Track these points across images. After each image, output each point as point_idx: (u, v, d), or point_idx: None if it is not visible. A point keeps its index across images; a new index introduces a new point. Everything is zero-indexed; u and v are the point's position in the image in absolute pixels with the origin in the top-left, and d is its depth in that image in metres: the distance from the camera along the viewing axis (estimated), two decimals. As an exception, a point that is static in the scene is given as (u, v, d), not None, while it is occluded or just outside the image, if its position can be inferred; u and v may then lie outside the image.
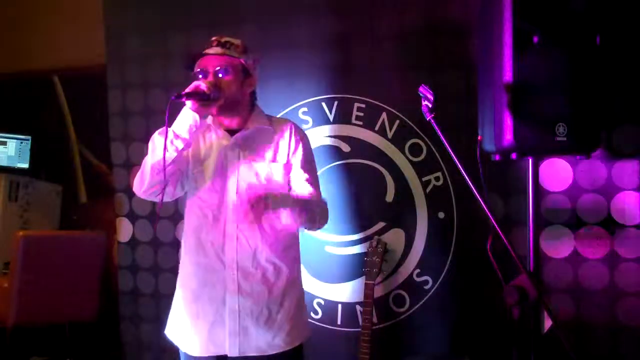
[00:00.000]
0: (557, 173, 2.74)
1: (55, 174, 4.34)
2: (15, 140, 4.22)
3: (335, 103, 3.06)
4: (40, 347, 4.06)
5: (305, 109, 3.10)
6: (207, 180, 2.23)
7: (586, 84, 2.18)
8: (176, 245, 3.39)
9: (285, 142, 2.26)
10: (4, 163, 4.18)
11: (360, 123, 3.03)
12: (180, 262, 2.34)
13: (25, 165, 4.22)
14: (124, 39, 3.45)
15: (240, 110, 2.23)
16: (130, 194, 3.48)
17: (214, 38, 2.23)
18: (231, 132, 2.24)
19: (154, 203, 3.42)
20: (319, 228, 2.31)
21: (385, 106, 2.98)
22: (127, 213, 3.49)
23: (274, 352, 2.22)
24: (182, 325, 2.30)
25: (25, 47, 4.40)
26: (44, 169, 4.35)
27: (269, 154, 2.24)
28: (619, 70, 2.61)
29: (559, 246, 2.75)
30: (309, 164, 2.30)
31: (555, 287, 2.73)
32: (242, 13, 3.18)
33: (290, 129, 2.28)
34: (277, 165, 2.23)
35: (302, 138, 2.31)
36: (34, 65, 4.32)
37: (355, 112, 3.03)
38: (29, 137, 4.24)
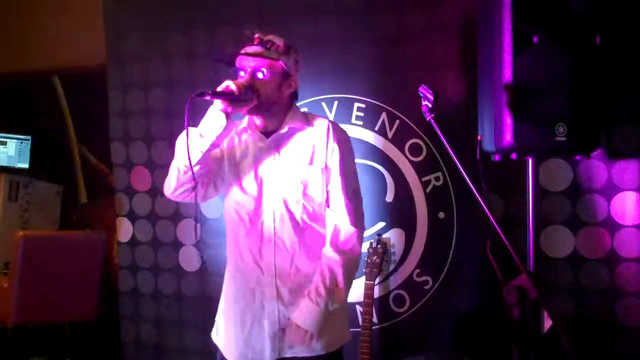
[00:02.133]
0: (557, 173, 2.74)
1: (55, 174, 4.34)
2: (15, 140, 4.22)
3: (335, 103, 3.06)
4: (40, 347, 4.06)
5: (305, 109, 3.10)
6: (243, 183, 2.16)
7: (586, 84, 2.18)
8: (176, 245, 3.39)
9: (323, 142, 2.14)
10: (4, 163, 4.17)
11: (360, 123, 3.03)
12: (227, 264, 2.28)
13: (25, 165, 4.22)
14: (124, 39, 3.45)
15: (276, 112, 2.14)
16: (131, 194, 3.48)
17: (256, 35, 2.11)
18: (268, 133, 2.15)
19: (153, 203, 3.43)
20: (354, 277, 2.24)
21: (385, 106, 2.98)
22: (127, 213, 3.49)
23: (312, 355, 2.15)
24: (222, 330, 2.25)
25: (25, 47, 4.39)
26: (44, 169, 4.34)
27: (305, 157, 2.14)
28: (619, 70, 2.61)
29: (559, 246, 2.75)
30: (346, 169, 2.16)
31: (555, 287, 2.73)
32: (242, 13, 3.18)
33: (329, 130, 2.15)
34: (313, 168, 2.13)
35: (340, 139, 2.17)
36: (34, 65, 4.31)
37: (355, 112, 3.03)
38: (29, 137, 4.24)
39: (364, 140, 3.02)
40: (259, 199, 2.15)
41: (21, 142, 4.23)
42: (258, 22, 3.11)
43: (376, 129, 3.00)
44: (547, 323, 2.15)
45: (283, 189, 2.13)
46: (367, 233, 2.98)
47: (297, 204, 2.13)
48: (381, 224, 2.99)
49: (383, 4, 2.97)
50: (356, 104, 3.03)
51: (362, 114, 3.02)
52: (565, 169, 2.73)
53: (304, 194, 2.13)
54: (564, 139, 2.15)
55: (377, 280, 2.81)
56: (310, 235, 2.15)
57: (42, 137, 4.30)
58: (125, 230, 3.51)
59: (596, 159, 2.67)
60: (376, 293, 2.84)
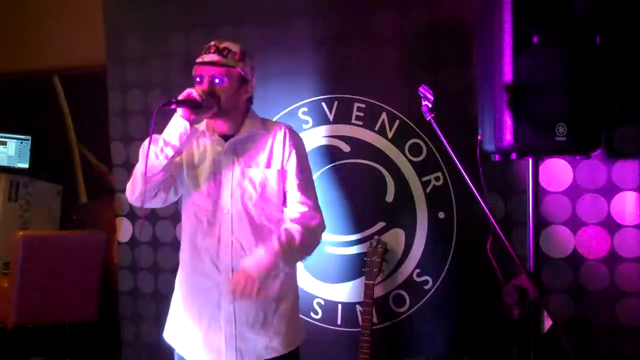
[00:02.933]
0: (557, 173, 2.74)
1: (55, 174, 4.34)
2: (15, 140, 4.22)
3: (335, 103, 3.06)
4: (40, 347, 4.06)
5: (305, 109, 3.10)
6: (202, 186, 2.22)
7: (586, 83, 2.18)
8: (176, 245, 3.39)
9: (280, 147, 2.24)
10: (4, 163, 4.18)
11: (360, 123, 3.03)
12: (180, 264, 2.34)
13: (25, 165, 4.22)
14: (124, 39, 3.44)
15: (234, 116, 2.21)
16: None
17: (212, 43, 2.19)
18: (225, 137, 2.22)
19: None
20: (311, 253, 2.30)
21: (385, 106, 2.98)
22: (127, 213, 3.49)
23: (271, 356, 2.22)
24: (179, 329, 2.30)
25: (25, 47, 4.39)
26: (44, 169, 4.34)
27: (263, 160, 2.23)
28: (619, 70, 2.61)
29: (559, 246, 2.75)
30: (302, 170, 2.27)
31: (555, 287, 2.73)
32: (242, 13, 3.18)
33: (285, 134, 2.25)
34: (271, 171, 2.22)
35: (297, 143, 2.28)
36: (34, 65, 4.31)
37: (355, 112, 3.03)
38: (29, 137, 4.24)
39: (364, 140, 3.02)
40: (217, 201, 2.21)
41: (21, 142, 4.24)
42: (258, 22, 3.11)
43: (376, 129, 3.00)
44: (547, 323, 2.15)
45: (241, 192, 2.19)
46: (367, 233, 3.00)
47: (255, 206, 2.20)
48: (381, 224, 2.99)
49: (383, 4, 2.97)
50: (356, 104, 3.02)
51: (362, 114, 3.02)
52: (565, 169, 2.73)
53: (262, 196, 2.20)
54: (564, 139, 2.15)
55: (377, 280, 2.81)
56: (267, 236, 2.20)
57: (42, 137, 4.30)
58: (125, 230, 3.51)
59: (596, 159, 2.66)
60: (376, 293, 2.84)
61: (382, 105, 2.99)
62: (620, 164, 2.67)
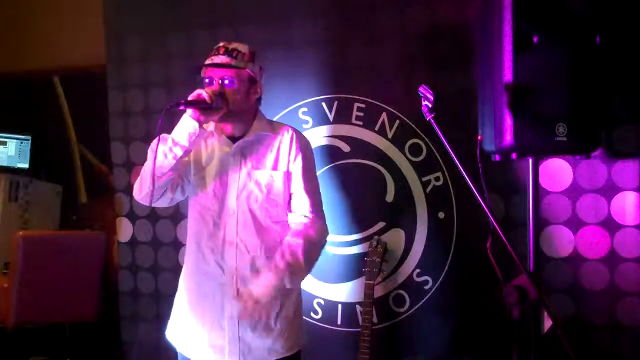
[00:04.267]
0: (557, 173, 2.74)
1: (55, 174, 4.34)
2: (15, 140, 4.22)
3: (335, 103, 3.06)
4: (40, 347, 4.06)
5: (305, 109, 3.10)
6: (208, 186, 2.22)
7: (586, 84, 2.18)
8: (176, 245, 3.39)
9: (286, 149, 2.25)
10: (4, 163, 4.17)
11: (360, 123, 3.03)
12: (183, 265, 2.34)
13: (25, 165, 4.22)
14: (124, 39, 3.44)
15: (243, 118, 2.22)
16: (131, 194, 3.47)
17: (221, 44, 2.19)
18: (233, 138, 2.23)
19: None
20: (315, 265, 2.30)
21: (385, 106, 2.98)
22: (127, 213, 3.49)
23: (274, 359, 2.22)
24: (182, 329, 2.30)
25: (25, 47, 4.39)
26: (44, 169, 4.34)
27: (270, 162, 2.23)
28: (619, 70, 2.61)
29: (559, 246, 2.75)
30: (308, 174, 2.27)
31: (555, 287, 2.73)
32: (242, 13, 3.18)
33: (292, 137, 2.26)
34: (277, 174, 2.23)
35: (303, 146, 2.29)
36: (34, 65, 4.31)
37: (355, 112, 3.03)
38: (29, 137, 4.24)
39: (364, 140, 3.02)
40: (223, 202, 2.21)
41: (21, 142, 4.23)
42: (258, 22, 3.11)
43: (376, 129, 3.00)
44: (547, 323, 2.15)
45: (247, 193, 2.20)
46: (367, 233, 3.00)
47: (261, 207, 2.20)
48: (381, 224, 2.99)
49: (383, 4, 2.97)
50: (356, 104, 3.02)
51: (362, 114, 3.02)
52: (565, 169, 2.73)
53: (268, 198, 2.21)
54: (564, 138, 2.15)
55: (377, 280, 2.81)
56: (271, 237, 2.21)
57: (42, 137, 4.30)
58: (125, 230, 3.51)
59: (596, 159, 2.66)
60: (376, 293, 2.84)
61: (382, 105, 2.99)
62: (620, 164, 2.66)
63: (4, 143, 4.20)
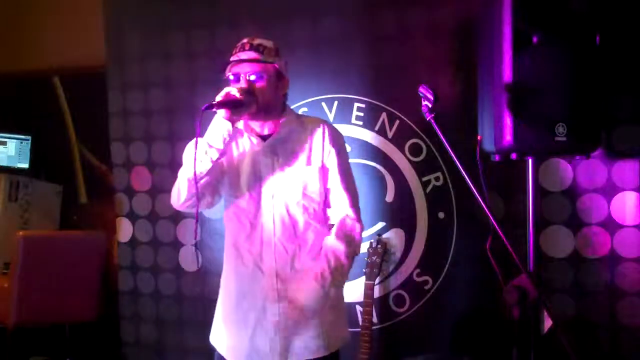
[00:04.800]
0: (557, 173, 2.74)
1: (55, 174, 4.33)
2: (15, 140, 4.22)
3: (335, 103, 3.06)
4: (40, 347, 4.06)
5: (305, 109, 3.10)
6: (243, 187, 2.17)
7: (586, 84, 2.18)
8: (176, 245, 3.39)
9: (319, 143, 2.17)
10: (4, 163, 4.17)
11: (360, 123, 3.03)
12: (223, 268, 2.28)
13: (25, 165, 4.21)
14: (124, 39, 3.45)
15: (272, 114, 2.15)
16: (130, 194, 3.48)
17: (245, 40, 2.12)
18: (263, 137, 2.17)
19: (153, 203, 3.43)
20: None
21: (385, 106, 2.98)
22: (127, 213, 3.49)
23: (314, 357, 2.16)
24: (224, 333, 2.25)
25: (25, 47, 4.39)
26: (44, 169, 4.34)
27: (302, 157, 2.16)
28: (618, 70, 2.61)
29: (559, 246, 2.75)
30: (344, 168, 2.20)
31: (555, 287, 2.73)
32: (242, 13, 3.18)
33: (324, 130, 2.18)
34: (311, 169, 2.15)
35: (336, 139, 2.20)
36: (34, 65, 4.31)
37: (355, 112, 3.03)
38: (29, 137, 4.24)
39: (364, 140, 3.02)
40: (258, 202, 2.16)
41: (21, 142, 4.23)
42: (258, 22, 3.11)
43: (376, 129, 3.00)
44: (547, 323, 2.15)
45: (282, 191, 2.15)
46: (367, 233, 2.99)
47: (297, 205, 2.14)
48: (381, 224, 2.99)
49: (383, 4, 2.97)
50: (356, 104, 3.03)
51: (362, 114, 3.02)
52: (565, 169, 2.73)
53: (304, 195, 2.15)
54: (564, 139, 2.15)
55: (377, 280, 2.81)
56: (310, 235, 2.16)
57: (42, 137, 4.30)
58: (125, 230, 3.51)
59: (596, 159, 2.66)
60: (376, 293, 2.84)
61: (382, 105, 2.99)
62: (620, 164, 2.67)
63: (4, 143, 4.19)
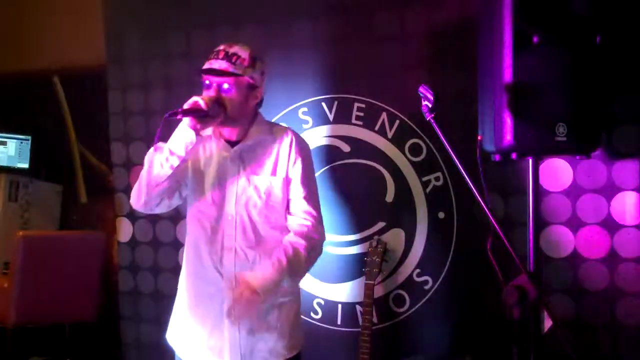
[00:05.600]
0: (557, 173, 2.74)
1: (55, 174, 4.34)
2: (15, 140, 4.22)
3: (335, 103, 3.06)
4: (40, 347, 4.06)
5: (305, 109, 3.10)
6: (206, 191, 2.19)
7: (586, 84, 2.18)
8: (176, 245, 3.39)
9: (285, 153, 2.20)
10: (4, 163, 4.18)
11: (360, 123, 3.02)
12: (182, 268, 2.32)
13: (25, 165, 4.22)
14: (124, 39, 3.45)
15: (242, 123, 2.17)
16: (130, 194, 3.48)
17: (221, 47, 2.14)
18: (232, 143, 2.19)
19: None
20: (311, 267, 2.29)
21: (385, 106, 2.98)
22: (127, 213, 3.49)
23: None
24: (181, 332, 2.28)
25: (25, 47, 4.39)
26: (44, 169, 4.34)
27: (268, 167, 2.19)
28: (619, 70, 2.61)
29: (559, 246, 2.75)
30: (307, 179, 2.23)
31: (555, 287, 2.73)
32: (242, 13, 3.18)
33: (291, 141, 2.22)
34: (276, 179, 2.19)
35: (302, 150, 2.24)
36: (34, 65, 4.31)
37: (355, 112, 3.03)
38: (29, 137, 4.24)
39: (364, 140, 3.02)
40: (221, 208, 2.18)
41: (21, 142, 4.24)
42: (258, 22, 3.11)
43: (376, 129, 3.00)
44: (547, 323, 2.15)
45: (246, 199, 2.17)
46: (367, 233, 3.00)
47: (260, 213, 2.18)
48: (381, 224, 2.99)
49: (383, 4, 2.97)
50: (356, 104, 3.02)
51: (362, 114, 3.02)
52: (565, 169, 2.73)
53: (266, 204, 2.18)
54: (564, 139, 2.15)
55: (377, 280, 2.81)
56: (270, 243, 2.18)
57: (42, 137, 4.30)
58: (125, 230, 3.51)
59: (596, 159, 2.66)
60: (376, 293, 2.84)
61: (382, 105, 2.99)
62: (620, 164, 2.66)
63: (4, 143, 4.20)
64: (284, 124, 2.53)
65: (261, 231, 2.18)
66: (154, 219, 3.43)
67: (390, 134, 2.98)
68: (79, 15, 4.16)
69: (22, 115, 4.41)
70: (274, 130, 2.26)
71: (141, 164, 2.22)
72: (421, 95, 2.00)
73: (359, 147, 3.02)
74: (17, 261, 3.45)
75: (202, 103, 2.00)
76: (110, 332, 3.63)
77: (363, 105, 3.02)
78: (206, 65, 2.12)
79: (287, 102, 3.11)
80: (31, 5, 4.40)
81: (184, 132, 2.04)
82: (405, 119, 2.95)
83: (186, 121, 2.03)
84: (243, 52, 2.12)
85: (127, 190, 3.46)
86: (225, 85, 2.09)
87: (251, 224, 2.17)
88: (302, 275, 2.25)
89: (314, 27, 3.07)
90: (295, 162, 2.21)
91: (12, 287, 3.46)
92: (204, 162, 2.21)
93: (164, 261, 3.41)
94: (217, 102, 2.06)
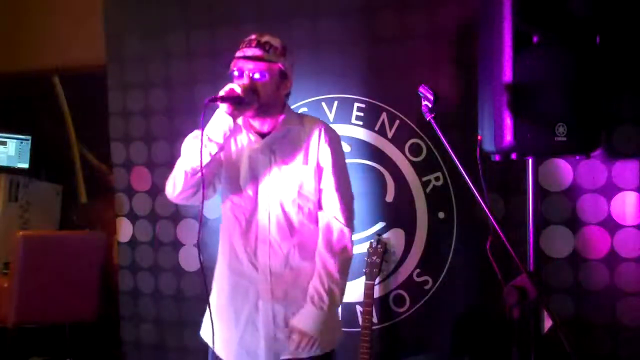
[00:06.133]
0: (557, 173, 2.74)
1: (55, 174, 4.34)
2: (15, 140, 4.22)
3: (335, 103, 3.06)
4: (40, 347, 4.06)
5: (305, 109, 3.10)
6: (240, 184, 2.18)
7: (586, 84, 2.18)
8: (176, 245, 3.39)
9: (315, 143, 2.18)
10: (4, 163, 4.17)
11: (360, 123, 3.03)
12: (217, 263, 2.29)
13: (25, 165, 4.22)
14: (124, 39, 3.45)
15: (272, 113, 2.16)
16: (130, 194, 3.48)
17: (253, 37, 2.13)
18: (262, 135, 2.18)
19: (153, 203, 3.43)
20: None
21: (385, 106, 2.98)
22: (127, 213, 3.49)
23: (308, 356, 2.17)
24: (215, 328, 2.23)
25: (25, 46, 4.39)
26: (44, 169, 4.34)
27: (300, 157, 2.17)
28: (619, 70, 2.61)
29: (559, 246, 2.75)
30: (338, 169, 2.21)
31: (555, 287, 2.73)
32: (242, 13, 3.18)
33: (321, 130, 2.19)
34: (308, 168, 2.17)
35: (333, 140, 2.21)
36: (34, 65, 4.31)
37: (355, 112, 3.03)
38: (29, 137, 4.24)
39: (364, 140, 3.02)
40: (254, 200, 2.17)
41: (21, 142, 4.23)
42: (258, 23, 3.11)
43: (376, 129, 3.00)
44: (547, 323, 2.15)
45: (279, 190, 2.16)
46: (367, 233, 3.00)
47: (293, 204, 2.16)
48: (381, 224, 2.99)
49: (383, 4, 2.97)
50: (356, 104, 3.03)
51: (362, 114, 3.02)
52: (565, 169, 2.73)
53: (299, 194, 2.16)
54: (564, 139, 2.15)
55: (377, 280, 2.81)
56: (304, 234, 2.18)
57: (42, 137, 4.30)
58: (125, 230, 3.51)
59: (596, 159, 2.66)
60: (376, 293, 2.84)
61: (382, 105, 2.99)
62: (620, 164, 2.66)
63: (4, 143, 4.19)
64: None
65: (294, 222, 2.16)
66: (154, 218, 3.43)
67: (390, 134, 2.98)
68: (79, 15, 4.16)
69: (22, 115, 4.41)
70: (304, 121, 2.24)
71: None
72: (421, 95, 2.00)
73: (359, 147, 3.02)
74: (17, 261, 3.45)
75: (238, 89, 2.00)
76: (110, 332, 3.62)
77: (363, 105, 3.02)
78: (239, 54, 2.11)
79: (287, 102, 3.10)
80: (31, 6, 4.39)
81: (221, 119, 2.02)
82: (405, 119, 2.95)
83: (223, 108, 2.01)
84: (275, 41, 2.14)
85: (127, 190, 3.47)
86: (257, 75, 2.08)
87: (284, 215, 2.15)
88: (342, 298, 2.23)
89: (314, 27, 3.07)
90: (325, 152, 2.18)
91: (12, 287, 3.46)
92: (236, 155, 2.20)
93: (164, 261, 3.41)
94: (251, 90, 2.05)
